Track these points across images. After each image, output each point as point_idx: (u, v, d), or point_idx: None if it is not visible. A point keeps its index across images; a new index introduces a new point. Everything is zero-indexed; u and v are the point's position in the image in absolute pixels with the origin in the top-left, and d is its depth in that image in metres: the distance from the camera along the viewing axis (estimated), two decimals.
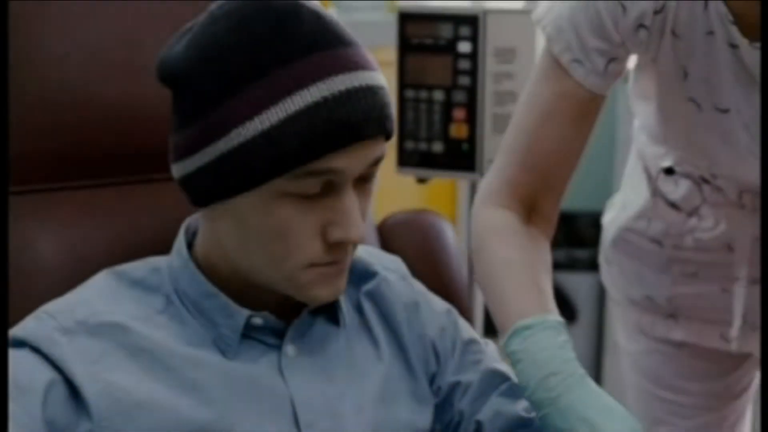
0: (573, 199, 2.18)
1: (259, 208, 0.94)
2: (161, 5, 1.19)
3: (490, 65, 1.93)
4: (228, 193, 0.94)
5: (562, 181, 1.21)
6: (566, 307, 3.09)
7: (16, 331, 0.96)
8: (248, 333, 1.01)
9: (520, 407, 1.10)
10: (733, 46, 1.14)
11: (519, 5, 2.01)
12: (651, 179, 1.41)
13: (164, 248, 1.06)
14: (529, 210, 1.19)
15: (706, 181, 1.34)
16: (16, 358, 0.93)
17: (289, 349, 1.03)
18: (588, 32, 1.15)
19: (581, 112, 1.18)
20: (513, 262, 1.13)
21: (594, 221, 2.99)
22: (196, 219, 1.06)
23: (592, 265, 2.91)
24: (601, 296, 3.02)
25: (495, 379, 1.11)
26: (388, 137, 0.97)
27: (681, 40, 1.16)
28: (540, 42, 1.46)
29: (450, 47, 1.95)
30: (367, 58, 0.96)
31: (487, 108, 1.94)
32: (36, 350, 0.94)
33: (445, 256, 1.39)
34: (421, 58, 1.96)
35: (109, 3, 1.18)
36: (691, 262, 1.40)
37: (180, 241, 1.03)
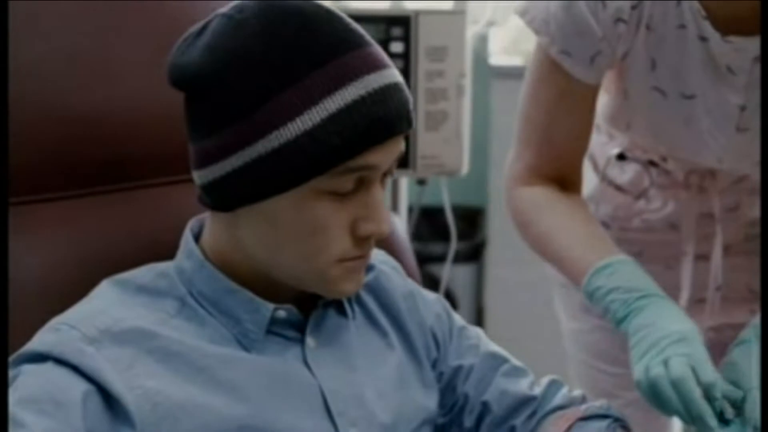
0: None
1: (293, 207, 0.95)
2: (138, 9, 1.17)
3: (422, 64, 1.98)
4: (265, 194, 0.95)
5: (580, 155, 1.35)
6: (447, 297, 3.14)
7: (34, 346, 0.95)
8: (270, 327, 1.03)
9: (525, 385, 1.16)
10: (704, 39, 1.23)
11: (449, 5, 2.07)
12: (597, 166, 1.50)
13: (145, 256, 1.06)
14: (559, 183, 1.32)
15: (654, 164, 1.43)
16: (42, 372, 0.92)
17: (310, 341, 1.04)
18: (571, 27, 1.24)
19: (585, 101, 1.31)
20: (568, 222, 1.29)
21: (466, 214, 3.10)
22: (198, 222, 1.07)
23: (469, 257, 3.02)
24: (479, 287, 3.11)
25: (496, 361, 1.17)
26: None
27: (653, 33, 1.25)
28: (470, 40, 1.55)
29: (382, 48, 1.95)
30: (387, 57, 0.99)
31: (420, 106, 1.99)
32: (62, 362, 0.93)
33: (398, 247, 1.44)
34: None
35: (85, 5, 1.15)
36: (637, 242, 1.46)
37: (190, 244, 1.03)
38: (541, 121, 1.32)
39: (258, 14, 0.95)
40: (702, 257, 1.43)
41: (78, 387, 0.92)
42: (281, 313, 1.03)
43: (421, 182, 2.19)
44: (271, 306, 1.02)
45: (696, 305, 1.43)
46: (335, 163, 0.94)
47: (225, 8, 0.97)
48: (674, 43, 1.25)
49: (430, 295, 1.20)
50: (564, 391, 1.17)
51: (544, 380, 1.18)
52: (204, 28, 0.98)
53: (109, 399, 0.93)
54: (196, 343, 0.98)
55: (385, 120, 0.94)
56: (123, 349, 0.95)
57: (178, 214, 1.10)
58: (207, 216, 1.05)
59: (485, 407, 1.14)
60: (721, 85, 1.26)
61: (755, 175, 1.36)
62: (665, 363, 1.08)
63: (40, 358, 0.93)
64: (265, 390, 0.99)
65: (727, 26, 1.23)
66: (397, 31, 1.99)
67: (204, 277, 1.01)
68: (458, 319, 1.20)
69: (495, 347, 1.19)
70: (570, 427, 1.09)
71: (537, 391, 1.15)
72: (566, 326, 1.62)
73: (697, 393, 1.06)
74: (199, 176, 0.99)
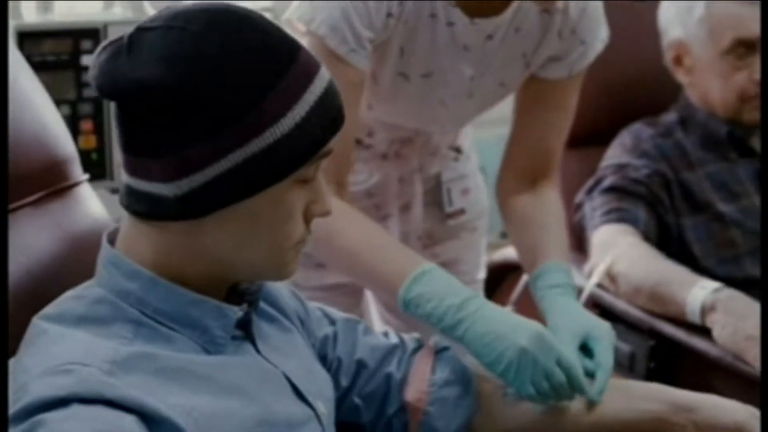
0: None
1: (273, 199, 0.97)
2: None
3: None
4: (259, 188, 0.95)
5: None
6: None
7: (47, 392, 0.88)
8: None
9: (383, 337, 1.24)
10: (450, 24, 1.41)
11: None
12: None
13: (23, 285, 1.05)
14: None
15: (359, 142, 1.58)
16: (76, 416, 0.87)
17: (254, 335, 1.05)
18: (360, 25, 1.35)
19: (360, 91, 1.41)
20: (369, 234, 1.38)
21: None
22: (109, 243, 1.02)
23: None
24: None
25: (350, 323, 1.21)
26: None
27: (408, 23, 1.40)
28: None
29: (72, 62, 2.06)
30: None
31: (114, 117, 2.11)
32: (92, 401, 0.88)
33: None
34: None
35: None
36: None
37: (128, 264, 0.99)
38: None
39: (211, 25, 0.95)
40: (406, 209, 1.65)
41: (126, 419, 0.88)
42: (240, 314, 1.03)
43: (115, 191, 2.10)
44: (236, 309, 1.02)
45: None
46: (317, 151, 0.97)
47: (156, 21, 0.96)
48: (425, 31, 1.41)
49: (278, 282, 1.15)
50: (403, 335, 1.25)
51: (385, 330, 1.30)
52: (134, 41, 0.95)
53: (156, 423, 0.90)
54: (184, 356, 0.97)
55: (340, 108, 1.00)
56: (136, 375, 0.92)
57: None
58: (130, 235, 1.00)
59: (360, 364, 1.19)
60: (458, 60, 1.44)
61: (440, 137, 1.62)
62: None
63: (60, 403, 0.87)
64: (257, 385, 1.01)
65: (474, 10, 1.40)
66: (86, 44, 2.06)
67: (161, 294, 0.98)
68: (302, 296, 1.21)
69: (338, 312, 1.24)
70: (434, 361, 1.22)
71: (394, 339, 1.23)
72: None
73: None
74: (172, 188, 0.95)
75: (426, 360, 1.21)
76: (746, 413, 1.18)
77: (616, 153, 1.92)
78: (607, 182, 1.86)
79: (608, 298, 1.73)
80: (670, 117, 1.96)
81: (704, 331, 1.56)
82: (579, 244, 1.87)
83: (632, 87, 2.07)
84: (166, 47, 0.94)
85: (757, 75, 1.85)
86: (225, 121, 0.94)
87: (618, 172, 1.86)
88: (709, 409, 1.20)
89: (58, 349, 0.93)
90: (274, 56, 0.96)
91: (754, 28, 1.84)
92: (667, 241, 1.80)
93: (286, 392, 1.05)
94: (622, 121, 2.00)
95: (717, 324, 1.52)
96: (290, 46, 0.98)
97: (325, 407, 1.09)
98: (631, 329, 1.70)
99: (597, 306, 1.74)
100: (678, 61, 1.94)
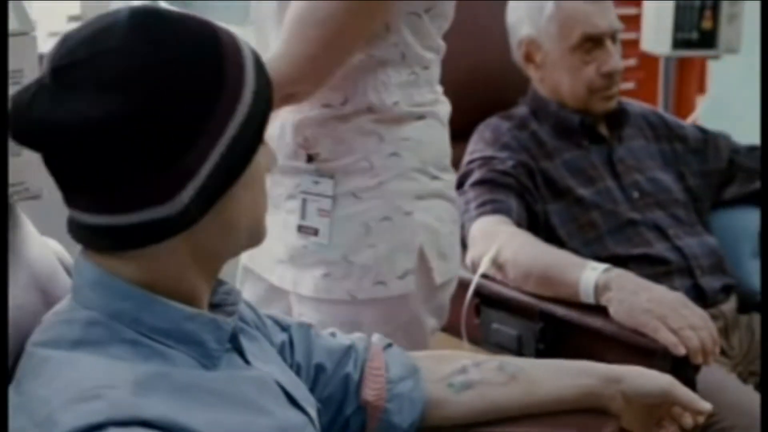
0: None
1: (252, 166, 0.98)
2: None
3: None
4: (241, 168, 0.97)
5: None
6: None
7: (86, 420, 0.86)
8: None
9: (336, 339, 1.25)
10: None
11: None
12: None
13: None
14: None
15: None
16: None
17: (243, 343, 1.05)
18: None
19: None
20: None
21: None
22: (87, 263, 0.99)
23: None
24: None
25: (303, 328, 1.22)
26: None
27: None
28: None
29: None
30: None
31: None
32: (127, 424, 0.87)
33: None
34: None
35: None
36: None
37: (119, 285, 0.96)
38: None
39: (135, 36, 0.93)
40: None
41: None
42: (232, 326, 1.03)
43: None
44: (230, 320, 1.02)
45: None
46: (263, 122, 1.00)
47: (70, 56, 0.93)
48: None
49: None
50: (351, 335, 1.27)
51: (332, 330, 1.28)
52: (61, 79, 0.92)
53: None
54: (190, 372, 0.96)
55: (261, 62, 1.01)
56: (157, 394, 0.91)
57: None
58: (113, 258, 0.97)
59: (319, 368, 1.21)
60: None
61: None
62: None
63: (97, 429, 0.87)
64: (260, 396, 1.01)
65: None
66: None
67: (156, 312, 0.96)
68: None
69: (288, 317, 1.25)
70: (384, 358, 1.25)
71: (346, 340, 1.25)
72: None
73: None
74: (169, 207, 0.93)
75: (378, 358, 1.24)
76: (669, 379, 1.28)
77: (479, 147, 2.01)
78: (477, 175, 1.94)
79: (494, 286, 1.81)
80: (521, 110, 2.07)
81: (596, 310, 1.66)
82: None
83: (482, 83, 2.17)
84: (106, 76, 0.92)
85: (604, 68, 1.99)
86: (200, 121, 0.94)
87: (485, 165, 1.95)
88: (635, 379, 1.28)
89: (76, 375, 0.91)
90: (206, 44, 0.96)
91: (600, 24, 1.98)
92: (536, 227, 1.90)
93: (281, 400, 1.06)
94: (477, 117, 2.10)
95: (613, 301, 1.62)
96: (204, 30, 0.97)
97: (314, 412, 1.11)
98: (518, 314, 1.78)
99: (482, 295, 1.82)
100: (529, 57, 2.05)
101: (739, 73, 2.95)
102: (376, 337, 1.29)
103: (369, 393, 1.22)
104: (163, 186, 0.94)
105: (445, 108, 1.55)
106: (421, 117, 1.49)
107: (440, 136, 1.54)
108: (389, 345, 1.28)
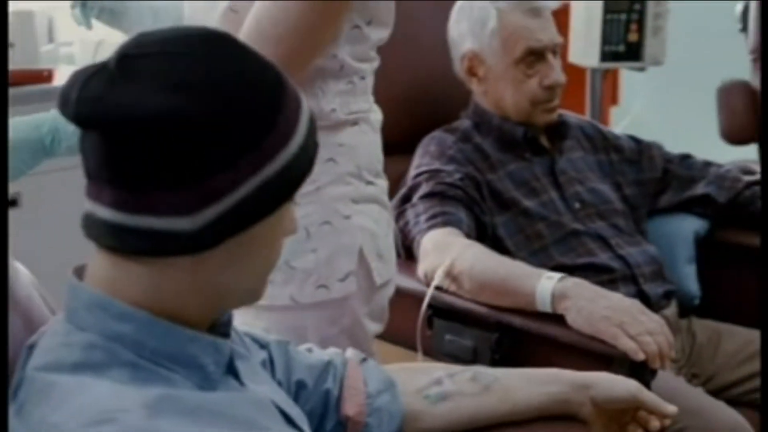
0: None
1: (275, 219, 0.98)
2: None
3: None
4: (267, 213, 0.97)
5: None
6: None
7: None
8: None
9: (314, 355, 1.26)
10: None
11: None
12: None
13: None
14: None
15: None
16: None
17: (238, 364, 1.05)
18: None
19: None
20: None
21: None
22: (82, 286, 0.98)
23: None
24: None
25: (282, 345, 1.21)
26: None
27: None
28: None
29: None
30: None
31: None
32: None
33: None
34: None
35: None
36: None
37: (119, 307, 0.95)
38: None
39: (210, 49, 0.96)
40: None
41: None
42: (230, 348, 1.03)
43: None
44: (229, 343, 1.02)
45: None
46: (312, 166, 1.01)
47: (144, 47, 0.95)
48: None
49: None
50: (328, 351, 1.29)
51: (309, 345, 1.29)
52: (126, 69, 0.93)
53: None
54: (194, 394, 0.96)
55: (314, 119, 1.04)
56: (168, 416, 0.90)
57: None
58: (113, 275, 0.97)
59: (299, 385, 1.20)
60: None
61: None
62: None
63: None
64: (261, 417, 1.01)
65: None
66: None
67: (159, 333, 0.96)
68: None
69: (265, 334, 1.23)
70: (362, 373, 1.26)
71: (324, 355, 1.26)
72: None
73: None
74: (186, 222, 0.93)
75: (356, 373, 1.26)
76: (636, 384, 1.32)
77: (425, 161, 2.03)
78: (425, 189, 1.96)
79: (448, 297, 1.83)
80: (464, 123, 2.10)
81: (552, 318, 1.70)
82: (406, 252, 1.97)
83: (422, 97, 2.20)
84: (173, 74, 0.93)
85: (546, 81, 2.03)
86: (245, 147, 0.94)
87: (433, 178, 1.97)
88: (604, 384, 1.31)
89: (87, 399, 0.90)
90: (272, 79, 0.98)
91: (542, 39, 2.03)
92: (485, 239, 1.93)
93: (279, 420, 1.06)
94: (417, 130, 2.12)
95: (571, 310, 1.65)
96: (273, 67, 1.00)
97: (309, 429, 1.13)
98: (472, 325, 1.80)
99: (434, 307, 1.83)
100: (472, 71, 2.08)
101: (653, 84, 3.05)
102: (351, 352, 1.30)
103: (350, 408, 1.23)
104: (192, 198, 0.93)
105: (377, 116, 1.59)
106: (354, 123, 1.52)
107: (373, 142, 1.57)
108: (364, 359, 1.29)
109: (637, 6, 2.64)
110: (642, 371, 1.56)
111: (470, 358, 1.80)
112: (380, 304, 1.57)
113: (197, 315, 1.00)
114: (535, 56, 2.03)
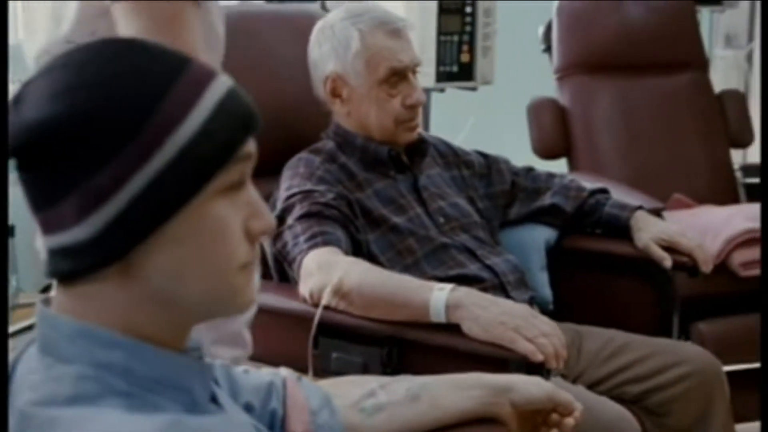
0: None
1: (197, 217, 0.91)
2: None
3: None
4: (172, 209, 0.90)
5: None
6: None
7: None
8: None
9: (258, 376, 1.23)
10: None
11: None
12: None
13: None
14: None
15: None
16: None
17: (216, 389, 1.04)
18: None
19: None
20: None
21: None
22: (51, 313, 0.95)
23: None
24: None
25: (224, 368, 1.16)
26: None
27: None
28: None
29: None
30: None
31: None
32: None
33: None
34: None
35: None
36: None
37: (103, 334, 0.92)
38: None
39: (90, 56, 0.93)
40: None
41: None
42: (215, 372, 1.03)
43: None
44: (214, 364, 1.02)
45: None
46: (229, 155, 0.92)
47: (38, 71, 0.94)
48: None
49: None
50: (265, 370, 1.27)
51: (245, 367, 1.26)
52: (20, 95, 0.93)
53: None
54: (193, 418, 0.94)
55: (248, 108, 0.95)
56: None
57: None
58: (71, 305, 0.94)
59: (248, 407, 1.16)
60: None
61: None
62: None
63: None
64: None
65: None
66: None
67: (148, 358, 0.93)
68: None
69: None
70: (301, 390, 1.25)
71: (265, 376, 1.23)
72: None
73: None
74: (83, 230, 0.90)
75: (296, 391, 1.25)
76: (550, 385, 1.38)
77: (296, 182, 2.04)
78: (300, 209, 1.97)
79: (335, 316, 1.85)
80: (328, 144, 2.14)
81: (444, 328, 1.75)
82: (283, 274, 1.97)
83: (280, 119, 2.21)
84: (49, 88, 0.92)
85: (408, 100, 2.09)
86: (120, 138, 0.90)
87: (306, 198, 1.99)
88: (521, 387, 1.36)
89: (99, 426, 0.88)
90: (160, 70, 0.93)
91: (403, 59, 2.09)
92: (360, 256, 1.97)
93: None
94: (277, 153, 2.13)
95: (466, 319, 1.70)
96: (179, 60, 0.95)
97: None
98: (359, 341, 1.83)
99: (319, 325, 1.85)
100: (335, 92, 2.11)
101: (483, 102, 3.18)
102: (285, 371, 1.30)
103: (297, 426, 1.23)
104: (78, 203, 0.90)
105: None
106: None
107: None
108: (299, 378, 1.30)
109: (468, 28, 2.75)
110: (538, 372, 1.63)
111: (360, 373, 1.82)
112: (229, 330, 1.57)
113: (170, 333, 0.97)
114: (397, 76, 2.09)
